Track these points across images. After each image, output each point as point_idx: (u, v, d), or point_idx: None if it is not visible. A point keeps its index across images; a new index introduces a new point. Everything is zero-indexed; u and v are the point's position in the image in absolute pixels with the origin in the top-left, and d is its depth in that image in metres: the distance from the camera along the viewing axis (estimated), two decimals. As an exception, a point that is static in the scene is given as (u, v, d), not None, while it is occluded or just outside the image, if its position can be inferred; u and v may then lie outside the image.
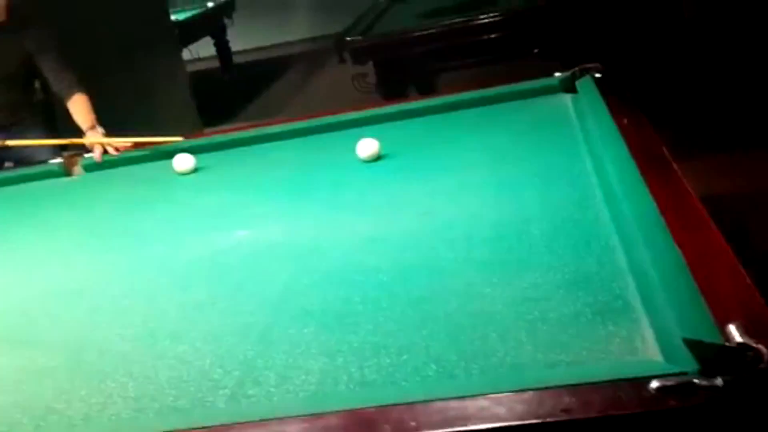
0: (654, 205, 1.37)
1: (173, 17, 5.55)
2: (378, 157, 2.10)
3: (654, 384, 0.92)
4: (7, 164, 2.95)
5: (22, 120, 2.98)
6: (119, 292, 1.65)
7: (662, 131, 1.80)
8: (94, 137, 2.67)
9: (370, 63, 3.63)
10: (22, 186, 2.61)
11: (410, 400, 1.00)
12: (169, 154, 2.46)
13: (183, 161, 2.35)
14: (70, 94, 2.81)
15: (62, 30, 4.42)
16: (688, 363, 0.95)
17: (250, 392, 1.16)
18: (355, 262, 1.55)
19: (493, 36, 3.49)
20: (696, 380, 0.92)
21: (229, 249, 1.75)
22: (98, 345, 1.42)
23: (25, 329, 1.57)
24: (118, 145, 2.64)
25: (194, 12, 6.48)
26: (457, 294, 1.32)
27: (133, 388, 1.24)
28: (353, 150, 2.11)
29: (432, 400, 0.99)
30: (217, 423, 1.05)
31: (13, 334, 1.55)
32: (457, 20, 3.61)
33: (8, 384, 1.35)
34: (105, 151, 2.63)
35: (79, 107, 2.80)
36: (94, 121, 2.76)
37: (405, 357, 1.16)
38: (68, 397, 1.25)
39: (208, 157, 2.45)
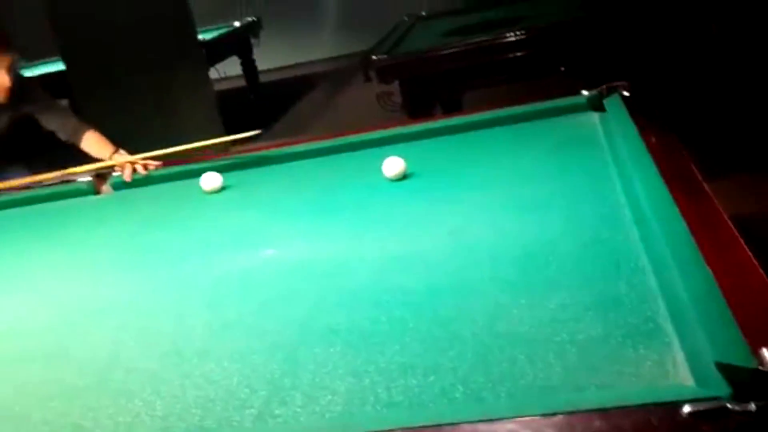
0: (684, 225, 1.35)
1: (200, 36, 5.61)
2: (404, 176, 2.11)
3: (686, 408, 0.91)
4: None
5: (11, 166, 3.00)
6: (147, 310, 1.66)
7: (691, 150, 1.78)
8: (125, 157, 2.69)
9: (396, 82, 3.64)
10: (52, 204, 2.64)
11: (438, 423, 0.99)
12: (196, 173, 2.48)
13: (210, 180, 2.37)
14: (80, 135, 2.81)
15: (92, 51, 4.52)
16: (720, 387, 0.94)
17: (277, 412, 1.16)
18: (381, 281, 1.54)
19: (519, 54, 3.49)
20: (729, 405, 0.91)
21: (256, 267, 1.76)
22: (126, 363, 1.42)
23: (54, 347, 1.58)
24: (149, 163, 2.65)
25: (221, 31, 6.55)
26: (484, 314, 1.31)
27: (161, 407, 1.24)
28: (379, 169, 2.11)
29: (460, 423, 0.98)
30: (244, 443, 1.05)
31: (42, 351, 1.57)
32: (482, 39, 3.61)
33: (37, 401, 1.36)
34: (134, 170, 2.65)
35: (94, 141, 2.80)
36: (115, 146, 2.77)
37: (432, 378, 1.15)
38: (96, 415, 1.26)
39: (235, 176, 2.46)
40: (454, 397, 1.10)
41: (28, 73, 6.31)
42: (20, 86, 2.75)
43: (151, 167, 2.65)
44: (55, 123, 2.85)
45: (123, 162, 2.66)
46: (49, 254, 2.18)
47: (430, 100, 3.63)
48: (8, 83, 2.66)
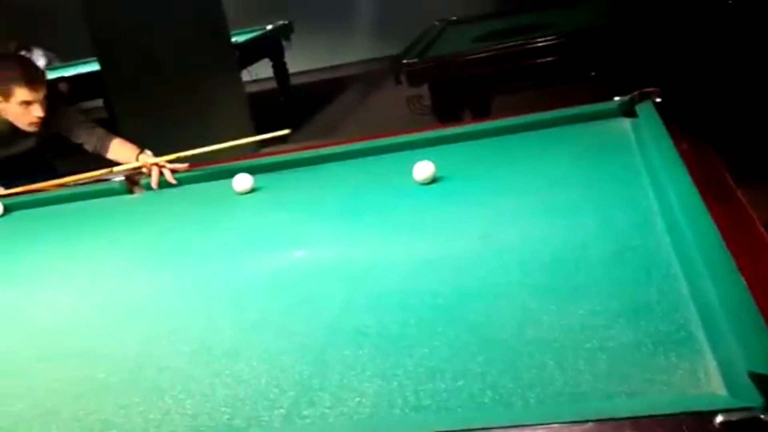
0: (717, 232, 1.34)
1: (233, 39, 5.66)
2: (433, 180, 2.11)
3: (719, 419, 0.90)
4: None
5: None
6: (178, 309, 1.68)
7: (725, 157, 1.76)
8: (150, 158, 2.71)
9: (426, 85, 3.65)
10: (85, 203, 2.68)
11: (466, 427, 0.99)
12: (228, 173, 2.50)
13: (242, 181, 2.39)
14: (106, 145, 2.87)
15: (126, 52, 4.58)
16: (753, 398, 0.93)
17: (305, 413, 1.16)
18: (410, 284, 1.54)
19: (549, 59, 3.48)
20: (762, 416, 0.90)
21: (286, 269, 1.77)
22: (157, 361, 1.44)
23: (86, 344, 1.60)
24: (177, 167, 2.67)
25: (253, 34, 6.60)
26: (513, 320, 1.31)
27: (191, 405, 1.25)
28: (409, 172, 2.12)
29: (489, 428, 0.98)
30: (273, 443, 1.06)
31: (74, 349, 1.59)
32: (512, 43, 3.60)
33: (69, 397, 1.37)
34: (161, 174, 2.66)
35: (118, 147, 2.85)
36: (139, 147, 2.79)
37: (461, 383, 1.15)
38: (127, 412, 1.27)
39: (266, 178, 2.48)
40: (483, 402, 1.10)
41: (64, 72, 6.42)
42: (51, 110, 2.83)
43: (180, 169, 2.67)
44: (83, 136, 2.92)
45: (149, 164, 2.68)
46: (81, 253, 2.21)
47: (460, 104, 3.63)
48: (42, 114, 2.76)
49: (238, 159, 2.69)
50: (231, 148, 2.69)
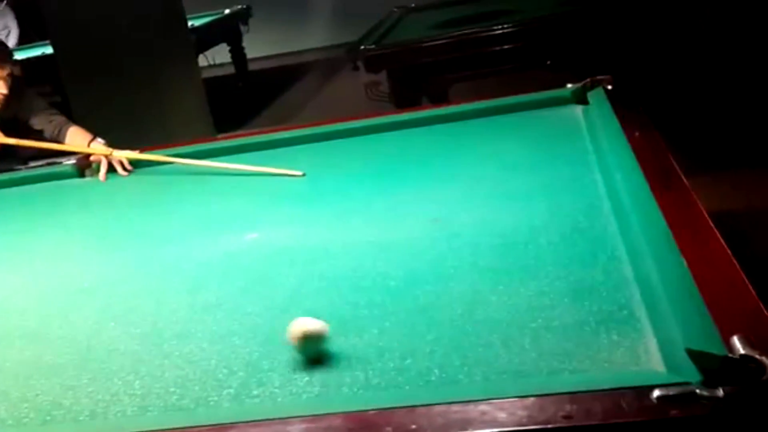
0: (662, 217, 1.37)
1: (190, 23, 5.58)
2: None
3: (656, 393, 0.93)
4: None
5: None
6: (129, 291, 1.67)
7: (673, 145, 1.80)
8: (99, 147, 2.66)
9: (384, 72, 3.65)
10: (37, 186, 2.64)
11: (412, 404, 1.01)
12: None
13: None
14: (64, 132, 2.81)
15: (80, 36, 4.50)
16: (690, 374, 0.96)
17: (254, 392, 1.17)
18: (362, 268, 1.55)
19: (506, 47, 3.50)
20: (698, 390, 0.92)
21: (239, 252, 1.77)
22: (107, 343, 1.43)
23: (37, 326, 1.58)
24: (123, 156, 2.62)
25: (210, 19, 6.52)
26: (462, 301, 1.33)
27: (140, 387, 1.25)
28: (364, 157, 2.12)
29: (433, 404, 0.99)
30: (220, 422, 1.06)
31: (23, 330, 1.57)
32: (470, 31, 3.62)
33: (18, 379, 1.36)
34: (111, 169, 2.61)
35: (74, 134, 2.78)
36: (92, 135, 2.74)
37: (409, 361, 1.17)
38: (75, 393, 1.27)
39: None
40: (430, 380, 1.12)
41: (17, 56, 6.28)
42: (15, 92, 2.77)
43: (129, 168, 2.62)
44: (43, 123, 2.86)
45: (98, 155, 2.62)
46: (32, 236, 2.18)
47: (417, 91, 3.63)
48: (5, 92, 2.71)
49: (193, 142, 2.67)
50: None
